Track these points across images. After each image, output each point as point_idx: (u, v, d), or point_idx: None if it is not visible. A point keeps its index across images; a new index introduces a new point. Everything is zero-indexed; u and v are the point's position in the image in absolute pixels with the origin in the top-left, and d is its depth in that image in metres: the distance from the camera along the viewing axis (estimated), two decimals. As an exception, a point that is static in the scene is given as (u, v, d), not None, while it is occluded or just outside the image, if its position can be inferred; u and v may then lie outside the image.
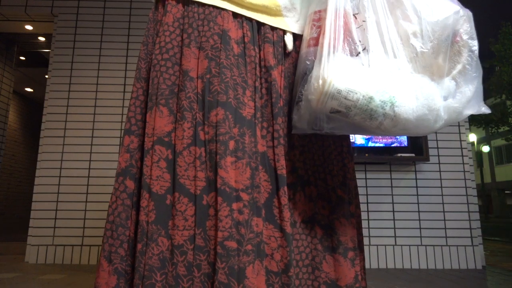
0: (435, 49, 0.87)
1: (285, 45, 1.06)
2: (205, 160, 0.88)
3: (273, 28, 1.05)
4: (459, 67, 0.88)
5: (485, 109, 0.90)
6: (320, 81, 0.83)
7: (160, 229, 0.84)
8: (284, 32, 1.06)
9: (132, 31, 2.74)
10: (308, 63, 0.92)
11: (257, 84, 0.99)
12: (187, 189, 0.86)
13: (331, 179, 1.02)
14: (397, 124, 0.83)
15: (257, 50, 1.02)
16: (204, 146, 0.89)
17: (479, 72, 0.90)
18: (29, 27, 3.05)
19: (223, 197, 0.83)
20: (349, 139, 1.09)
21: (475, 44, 0.89)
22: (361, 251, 1.04)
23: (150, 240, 0.83)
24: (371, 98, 0.80)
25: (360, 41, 0.86)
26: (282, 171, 0.93)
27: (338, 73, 0.82)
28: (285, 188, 0.92)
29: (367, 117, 0.82)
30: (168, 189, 0.87)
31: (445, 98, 0.87)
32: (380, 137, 2.67)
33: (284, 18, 1.06)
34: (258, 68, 1.00)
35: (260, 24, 1.04)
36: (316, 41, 0.91)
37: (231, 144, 0.88)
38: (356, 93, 0.80)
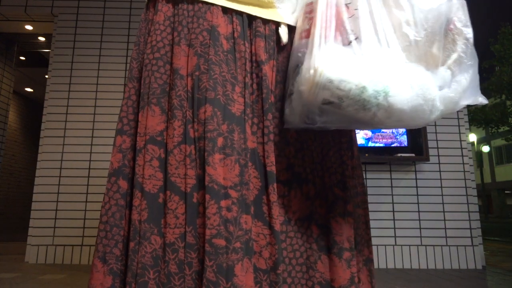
0: (429, 37, 0.85)
1: (278, 39, 1.03)
2: (195, 158, 0.88)
3: (265, 22, 1.02)
4: (454, 56, 0.86)
5: (482, 99, 0.88)
6: (311, 71, 0.80)
7: (153, 228, 0.85)
8: (278, 25, 1.03)
9: (132, 31, 2.74)
10: (300, 55, 0.90)
11: (247, 79, 0.98)
12: (178, 187, 0.86)
13: (328, 177, 1.00)
14: (391, 115, 0.80)
15: (247, 45, 1.00)
16: (194, 143, 0.89)
17: (475, 61, 0.87)
18: (29, 27, 3.05)
19: (211, 195, 0.83)
20: (350, 135, 1.05)
21: (469, 32, 0.87)
22: (364, 252, 1.01)
23: (142, 238, 0.83)
24: (364, 88, 0.78)
25: (352, 30, 0.84)
26: (272, 167, 0.92)
27: (329, 63, 0.79)
28: (275, 185, 0.91)
29: (360, 108, 0.80)
30: (161, 187, 0.88)
31: (441, 88, 0.84)
32: (380, 137, 2.67)
33: (277, 10, 1.03)
34: (248, 64, 0.99)
35: (251, 18, 1.02)
36: (308, 33, 0.90)
37: (220, 141, 0.88)
38: (349, 83, 0.78)
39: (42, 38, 3.41)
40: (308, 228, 0.97)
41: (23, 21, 2.93)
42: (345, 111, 0.82)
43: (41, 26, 3.01)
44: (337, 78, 0.78)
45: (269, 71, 0.99)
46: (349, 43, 0.83)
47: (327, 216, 0.98)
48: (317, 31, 0.84)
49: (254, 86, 0.98)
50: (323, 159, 1.02)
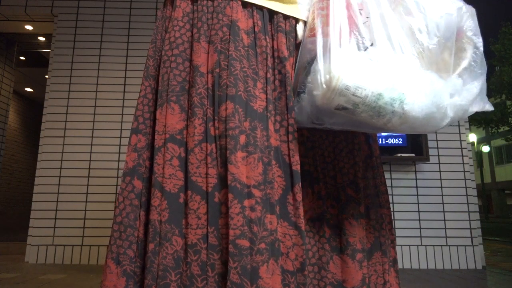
0: (441, 44, 0.85)
1: (296, 36, 1.01)
2: (216, 157, 0.85)
3: (286, 17, 1.01)
4: (464, 63, 0.87)
5: (488, 106, 0.89)
6: (327, 76, 0.79)
7: (174, 228, 0.82)
8: (297, 21, 1.02)
9: (132, 31, 2.74)
10: (313, 52, 0.89)
11: (269, 75, 0.95)
12: (199, 187, 0.84)
13: (340, 177, 0.99)
14: (405, 121, 0.80)
15: (268, 39, 0.98)
16: (214, 142, 0.87)
17: (484, 69, 0.88)
18: (29, 27, 3.05)
19: (234, 194, 0.80)
20: (365, 136, 1.05)
21: (479, 41, 0.88)
22: (391, 253, 1.01)
23: (163, 239, 0.81)
24: (380, 94, 0.78)
25: (366, 36, 0.84)
26: (297, 166, 0.90)
27: (346, 68, 0.78)
28: (300, 184, 0.89)
29: (374, 114, 0.80)
30: (181, 187, 0.85)
31: (451, 96, 0.85)
32: (379, 136, 2.67)
33: (298, 5, 1.02)
34: (270, 59, 0.97)
35: (272, 13, 1.01)
36: (320, 31, 0.89)
37: (242, 138, 0.85)
38: (365, 89, 0.77)
39: (42, 38, 3.41)
40: (320, 228, 0.96)
41: (23, 21, 2.94)
42: (358, 117, 0.81)
43: (41, 26, 3.01)
44: (354, 85, 0.77)
45: (289, 68, 0.97)
46: (365, 48, 0.83)
47: (340, 217, 0.96)
48: (332, 34, 0.83)
49: (277, 82, 0.96)
50: (335, 158, 1.01)
